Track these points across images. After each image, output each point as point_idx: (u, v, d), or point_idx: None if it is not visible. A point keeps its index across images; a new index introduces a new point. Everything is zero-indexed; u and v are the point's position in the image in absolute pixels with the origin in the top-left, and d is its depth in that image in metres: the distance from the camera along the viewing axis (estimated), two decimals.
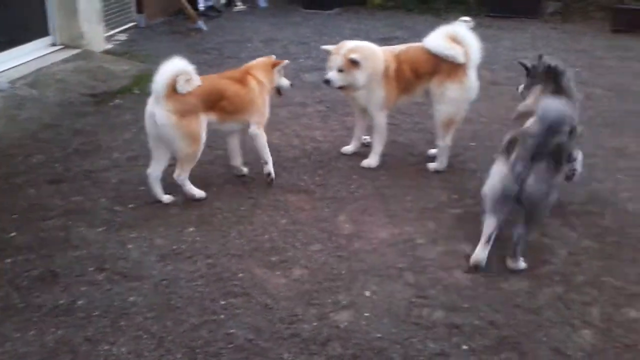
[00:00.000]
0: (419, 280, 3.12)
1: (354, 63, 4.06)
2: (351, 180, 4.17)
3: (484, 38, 7.74)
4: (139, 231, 3.49)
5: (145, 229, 3.51)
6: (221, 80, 3.90)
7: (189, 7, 8.26)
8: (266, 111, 4.05)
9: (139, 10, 7.93)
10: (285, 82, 4.18)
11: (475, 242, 3.42)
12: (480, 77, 6.14)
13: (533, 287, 3.09)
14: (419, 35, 4.62)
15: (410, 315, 2.85)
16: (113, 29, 7.44)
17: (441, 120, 4.25)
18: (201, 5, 8.79)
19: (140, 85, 5.76)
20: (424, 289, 3.06)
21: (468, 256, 3.30)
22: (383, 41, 5.82)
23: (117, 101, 5.39)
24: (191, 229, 3.53)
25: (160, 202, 3.77)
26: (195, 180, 4.04)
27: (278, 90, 4.18)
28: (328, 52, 4.20)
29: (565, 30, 8.52)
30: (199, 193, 3.84)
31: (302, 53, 7.15)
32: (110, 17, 7.36)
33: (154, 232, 3.49)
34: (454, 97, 4.20)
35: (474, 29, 8.08)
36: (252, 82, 3.93)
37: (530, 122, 3.16)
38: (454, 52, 4.16)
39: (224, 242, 3.41)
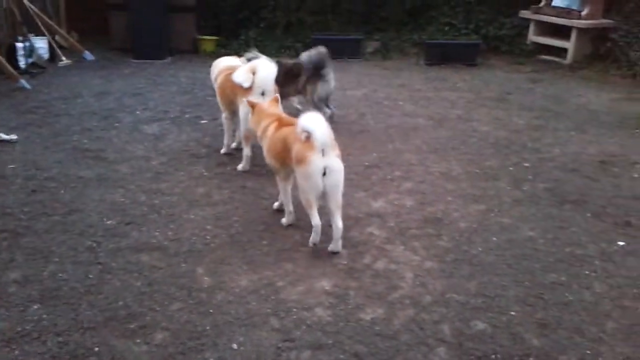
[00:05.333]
0: (284, 324, 3.18)
1: None
2: (205, 230, 4.14)
3: None
4: None
5: None
6: None
7: (7, 65, 7.70)
8: None
9: None
10: None
11: (331, 277, 3.59)
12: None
13: (388, 313, 3.29)
14: None
15: None
16: None
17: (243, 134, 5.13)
18: (22, 63, 8.23)
19: None
20: (289, 331, 3.12)
21: (327, 292, 3.44)
22: None
23: None
24: (36, 307, 3.27)
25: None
26: (32, 252, 3.77)
27: None
28: None
29: (386, 67, 9.25)
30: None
31: (138, 104, 6.99)
32: None
33: None
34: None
35: None
36: None
37: None
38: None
39: (74, 315, 3.20)
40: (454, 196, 4.77)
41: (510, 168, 5.36)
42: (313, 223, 3.85)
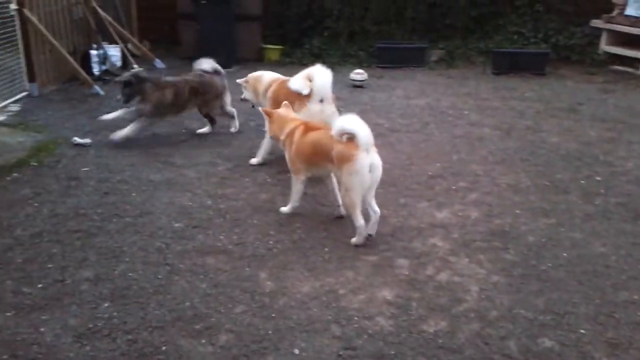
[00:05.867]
0: (345, 332, 3.17)
1: None
2: (269, 235, 4.20)
3: (377, 88, 8.19)
4: (51, 312, 3.31)
5: (57, 309, 3.33)
6: None
7: (82, 72, 8.08)
8: None
9: (31, 79, 7.63)
10: None
11: (393, 287, 3.56)
12: (379, 124, 6.47)
13: (452, 326, 3.23)
14: None
15: None
16: (5, 99, 7.11)
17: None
18: (95, 70, 8.62)
19: (39, 156, 5.53)
20: (350, 340, 3.11)
21: (389, 302, 3.42)
22: None
23: (14, 175, 5.12)
24: (106, 304, 3.39)
25: (65, 280, 3.60)
26: (104, 251, 3.92)
27: None
28: None
29: (451, 76, 9.14)
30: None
31: None
32: (1, 88, 7.05)
33: (67, 311, 3.32)
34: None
35: (368, 80, 8.54)
36: None
37: None
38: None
39: (143, 314, 3.31)
40: (522, 209, 4.64)
41: (582, 181, 5.17)
42: (358, 224, 4.02)
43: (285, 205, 4.56)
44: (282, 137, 4.46)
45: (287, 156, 4.48)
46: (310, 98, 5.04)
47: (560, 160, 5.66)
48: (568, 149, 5.93)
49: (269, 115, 4.56)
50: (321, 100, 5.05)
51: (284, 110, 4.59)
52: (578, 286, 3.62)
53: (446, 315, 3.32)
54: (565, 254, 3.98)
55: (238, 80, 5.81)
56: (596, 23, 9.56)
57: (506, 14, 10.22)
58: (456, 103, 7.62)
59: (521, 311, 3.37)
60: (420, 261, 3.89)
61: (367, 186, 3.98)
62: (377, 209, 4.13)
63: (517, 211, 4.60)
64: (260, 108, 4.88)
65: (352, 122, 3.94)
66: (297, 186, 4.47)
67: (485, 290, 3.57)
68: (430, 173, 5.33)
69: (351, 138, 3.92)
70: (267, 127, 4.72)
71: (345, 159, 3.94)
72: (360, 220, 4.02)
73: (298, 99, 5.06)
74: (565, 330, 3.21)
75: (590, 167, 5.48)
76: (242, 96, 5.83)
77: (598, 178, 5.24)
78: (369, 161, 3.92)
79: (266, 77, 5.64)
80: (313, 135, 4.28)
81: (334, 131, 4.03)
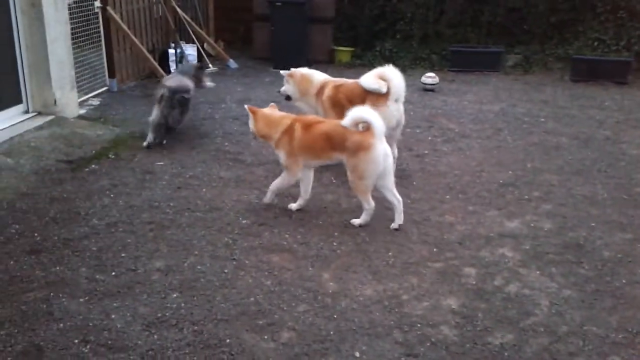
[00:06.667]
0: (407, 338, 3.13)
1: None
2: (333, 237, 4.20)
3: (449, 92, 8.05)
4: (122, 300, 3.44)
5: (128, 297, 3.46)
6: None
7: (160, 69, 8.37)
8: None
9: (111, 74, 8.00)
10: None
11: (459, 296, 3.49)
12: (450, 129, 6.36)
13: (519, 340, 3.13)
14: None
15: None
16: (86, 94, 7.48)
17: None
18: (173, 68, 8.91)
19: (117, 150, 5.78)
20: (412, 346, 3.07)
21: (454, 311, 3.35)
22: None
23: (93, 166, 5.38)
24: (175, 295, 3.50)
25: (137, 270, 3.74)
26: (175, 243, 4.04)
27: None
28: None
29: (527, 82, 8.87)
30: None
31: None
32: (83, 83, 7.41)
33: (137, 300, 3.44)
34: None
35: (439, 83, 8.42)
36: None
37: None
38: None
39: (209, 307, 3.38)
40: (598, 222, 4.44)
41: None
42: (369, 206, 4.30)
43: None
44: (277, 135, 4.48)
45: (282, 154, 4.51)
46: (388, 97, 5.01)
47: (639, 173, 5.39)
48: None
49: (253, 113, 4.56)
50: (396, 100, 5.02)
51: (269, 110, 4.61)
52: None
53: (514, 328, 3.22)
54: None
55: (282, 72, 5.68)
56: None
57: (587, 20, 9.82)
58: (532, 110, 7.39)
59: (593, 328, 3.22)
60: (488, 271, 3.79)
61: (379, 173, 4.20)
62: (399, 197, 4.33)
63: (593, 224, 4.41)
64: (246, 106, 4.63)
65: (365, 113, 4.17)
66: (287, 181, 4.57)
67: (555, 305, 3.43)
68: (501, 181, 5.19)
69: (367, 127, 4.14)
70: (251, 127, 4.60)
71: (362, 148, 4.15)
72: (371, 203, 4.29)
73: (372, 98, 5.02)
74: (637, 350, 3.05)
75: None
76: (282, 89, 5.66)
77: None
78: (384, 149, 4.17)
79: (317, 77, 5.52)
80: (322, 127, 4.39)
81: (346, 122, 4.20)
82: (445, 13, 10.31)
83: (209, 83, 6.96)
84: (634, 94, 8.16)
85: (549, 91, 8.32)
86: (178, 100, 5.83)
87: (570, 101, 7.82)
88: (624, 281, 3.68)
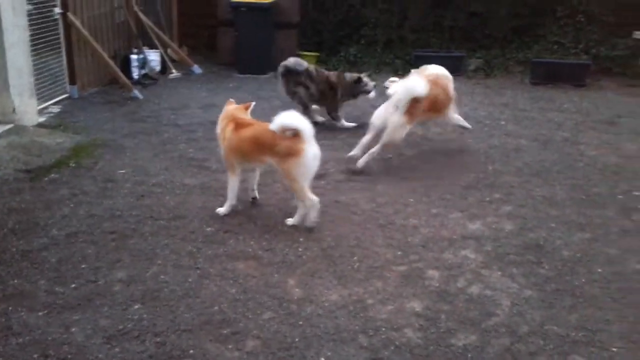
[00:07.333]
0: (372, 342, 3.15)
1: None
2: (298, 242, 4.20)
3: None
4: (82, 312, 3.37)
5: (89, 310, 3.40)
6: None
7: (122, 76, 8.25)
8: None
9: (72, 81, 7.84)
10: None
11: (422, 299, 3.52)
12: (413, 133, 6.42)
13: (481, 340, 3.18)
14: None
15: None
16: (46, 101, 7.30)
17: None
18: (135, 74, 8.79)
19: (77, 158, 5.67)
20: (377, 351, 3.09)
21: (417, 313, 3.38)
22: None
23: (52, 176, 5.26)
24: (137, 306, 3.44)
25: (98, 281, 3.68)
26: (137, 253, 3.98)
27: None
28: None
29: (488, 85, 9.02)
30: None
31: None
32: (43, 90, 7.24)
33: (98, 312, 3.38)
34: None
35: None
36: None
37: None
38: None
39: (172, 317, 3.34)
40: (557, 222, 4.54)
41: (620, 196, 5.04)
42: (312, 203, 4.29)
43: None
44: (219, 133, 4.61)
45: (221, 153, 4.60)
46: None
47: (597, 173, 5.53)
48: (606, 163, 5.79)
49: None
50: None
51: (233, 107, 4.68)
52: (612, 303, 3.52)
53: (476, 329, 3.27)
54: (600, 270, 3.88)
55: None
56: (639, 35, 9.33)
57: (547, 24, 10.04)
58: (493, 113, 7.52)
59: (553, 327, 3.29)
60: (451, 273, 3.84)
61: (312, 173, 4.29)
62: (314, 197, 4.34)
63: (552, 225, 4.51)
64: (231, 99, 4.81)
65: (294, 119, 4.16)
66: (232, 183, 4.57)
67: (516, 305, 3.50)
68: (463, 184, 5.26)
69: (295, 134, 4.16)
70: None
71: (293, 154, 4.19)
72: (313, 197, 4.30)
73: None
74: (597, 348, 3.13)
75: (628, 181, 5.33)
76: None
77: (636, 193, 5.09)
78: (313, 152, 4.22)
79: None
80: (250, 131, 4.40)
81: (274, 127, 4.20)
82: (409, 18, 10.42)
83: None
84: (592, 97, 8.37)
85: (509, 94, 8.48)
86: None
87: (530, 104, 7.98)
88: (583, 280, 3.76)
